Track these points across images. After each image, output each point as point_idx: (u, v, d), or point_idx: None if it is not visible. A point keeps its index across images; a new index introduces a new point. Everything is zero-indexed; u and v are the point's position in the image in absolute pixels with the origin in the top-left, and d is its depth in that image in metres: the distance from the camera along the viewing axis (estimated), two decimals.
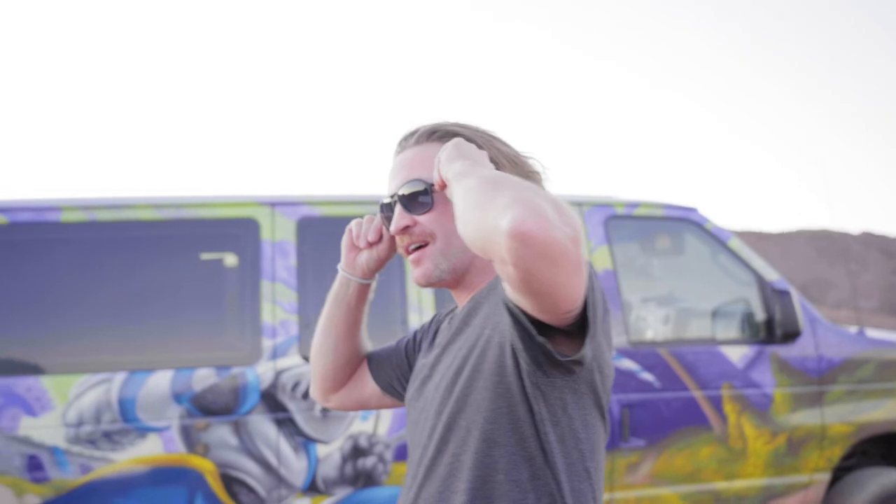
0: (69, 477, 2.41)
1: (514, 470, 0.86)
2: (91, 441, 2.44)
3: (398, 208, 1.01)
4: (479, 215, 0.73)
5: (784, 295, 2.92)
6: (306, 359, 2.62)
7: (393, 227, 1.00)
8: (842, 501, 2.97)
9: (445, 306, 1.16)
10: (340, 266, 1.14)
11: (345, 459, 2.62)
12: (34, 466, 2.40)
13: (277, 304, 2.62)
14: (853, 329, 3.23)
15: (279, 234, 2.66)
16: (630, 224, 3.07)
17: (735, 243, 3.06)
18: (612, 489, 2.76)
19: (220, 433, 2.53)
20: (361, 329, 1.19)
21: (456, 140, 0.90)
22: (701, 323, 3.10)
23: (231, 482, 2.52)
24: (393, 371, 1.19)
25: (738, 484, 2.87)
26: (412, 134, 1.05)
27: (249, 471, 2.54)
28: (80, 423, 2.44)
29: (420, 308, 2.73)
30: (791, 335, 2.93)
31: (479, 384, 0.88)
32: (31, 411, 2.42)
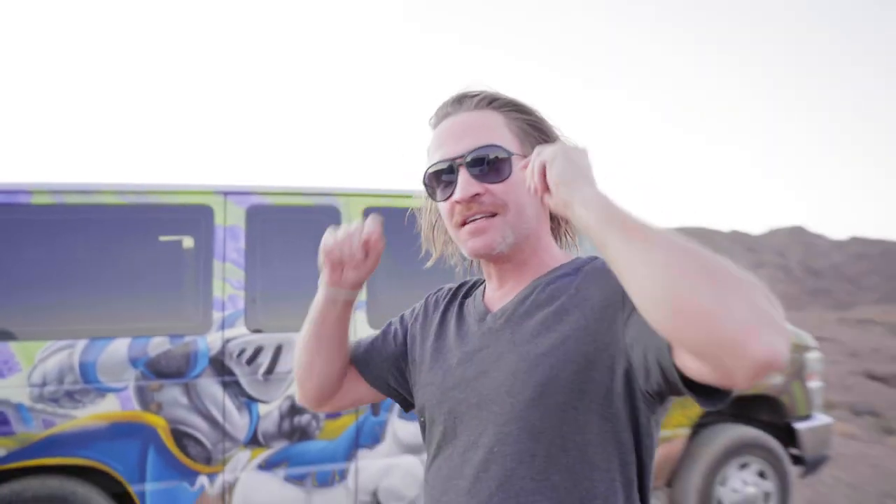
0: (33, 431, 2.70)
1: (612, 496, 0.84)
2: (54, 399, 2.73)
3: (465, 174, 0.92)
4: (697, 306, 0.62)
5: None
6: (252, 330, 2.99)
7: (460, 195, 0.91)
8: (698, 450, 3.61)
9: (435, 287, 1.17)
10: (325, 284, 1.05)
11: (282, 417, 3.01)
12: (0, 422, 2.68)
13: (227, 281, 2.98)
14: None
15: (230, 219, 3.02)
16: None
17: None
18: None
19: (173, 393, 2.87)
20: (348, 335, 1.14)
21: (564, 148, 0.82)
22: None
23: (181, 436, 2.86)
24: (384, 363, 1.12)
25: None
26: (467, 96, 0.97)
27: (198, 426, 2.89)
28: (44, 384, 2.72)
29: None
30: None
31: (582, 403, 0.83)
32: None
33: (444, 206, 0.96)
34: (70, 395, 2.75)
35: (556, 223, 1.04)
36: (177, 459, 2.85)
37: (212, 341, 2.92)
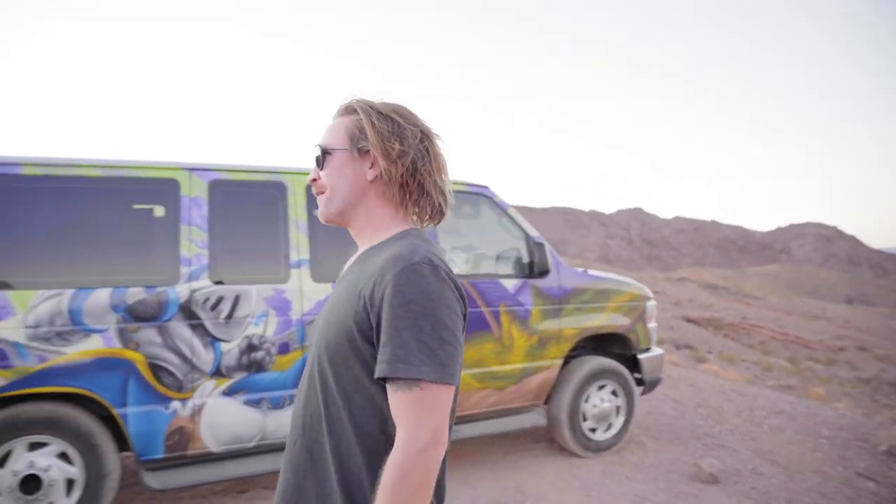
0: (29, 364, 3.18)
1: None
2: (46, 339, 3.22)
3: (315, 164, 1.29)
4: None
5: (540, 246, 4.44)
6: (215, 282, 3.58)
7: (309, 176, 1.30)
8: (569, 376, 4.59)
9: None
10: None
11: (241, 353, 3.60)
12: (0, 357, 3.14)
13: (192, 241, 3.56)
14: (580, 269, 4.88)
15: (195, 191, 3.60)
16: None
17: (512, 211, 4.53)
18: None
19: (148, 334, 3.42)
20: None
21: None
22: (489, 263, 4.53)
23: (156, 369, 3.42)
24: None
25: (508, 367, 4.35)
26: (343, 105, 1.27)
27: (170, 361, 3.45)
28: (37, 326, 3.21)
29: (298, 247, 3.81)
30: (543, 272, 4.47)
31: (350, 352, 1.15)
32: None
33: None
34: (60, 335, 3.25)
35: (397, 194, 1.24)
36: (153, 388, 3.41)
37: (181, 291, 3.49)
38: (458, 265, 4.53)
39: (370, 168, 1.24)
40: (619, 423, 4.80)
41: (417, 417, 1.03)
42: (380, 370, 1.06)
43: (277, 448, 3.75)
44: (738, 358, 14.40)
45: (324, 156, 1.26)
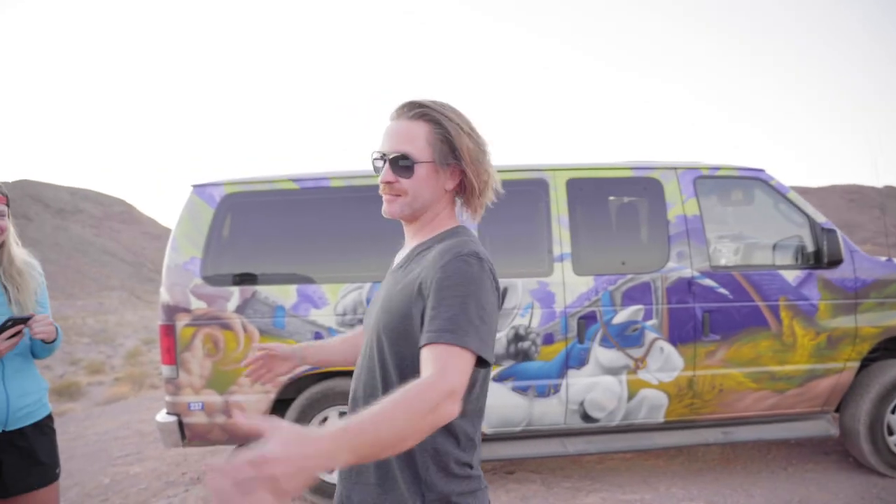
0: None
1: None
2: (351, 325, 3.80)
3: (388, 166, 1.29)
4: (398, 437, 0.96)
5: (831, 232, 3.91)
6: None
7: (382, 178, 1.30)
8: (868, 382, 3.99)
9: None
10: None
11: (509, 342, 3.82)
12: (316, 336, 3.78)
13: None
14: (883, 258, 4.17)
15: None
16: (713, 182, 4.10)
17: (793, 195, 4.05)
18: (694, 369, 3.90)
19: None
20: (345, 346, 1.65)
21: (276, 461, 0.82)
22: (764, 253, 4.12)
23: None
24: None
25: (789, 368, 3.93)
26: (409, 107, 1.30)
27: None
28: (344, 314, 3.79)
29: (560, 241, 3.90)
30: (835, 262, 3.93)
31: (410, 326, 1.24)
32: (315, 306, 3.81)
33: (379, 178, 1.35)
34: (361, 321, 3.79)
35: (466, 197, 1.37)
36: None
37: None
38: (727, 256, 4.21)
39: (450, 178, 1.32)
40: None
41: (447, 366, 1.07)
42: (426, 338, 1.12)
43: (543, 434, 3.91)
44: None
45: (402, 161, 1.29)
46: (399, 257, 1.45)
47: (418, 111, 1.29)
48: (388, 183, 1.30)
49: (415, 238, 1.38)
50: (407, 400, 0.99)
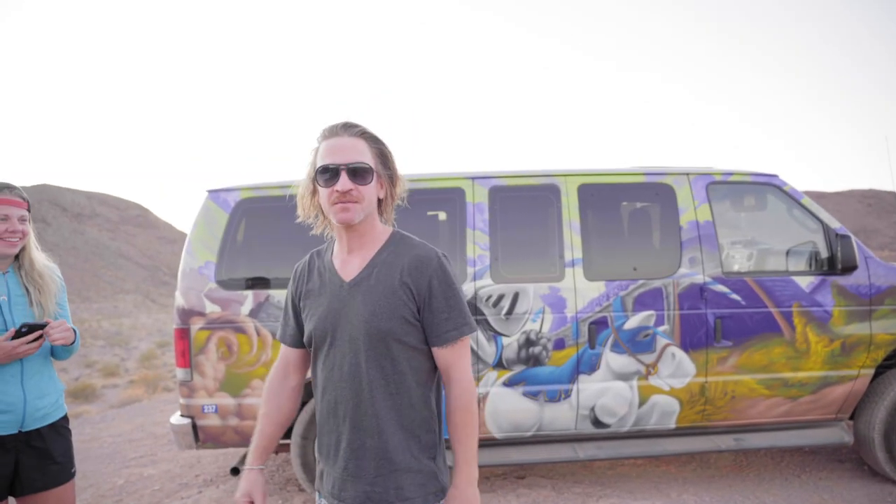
0: None
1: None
2: None
3: (345, 176, 1.45)
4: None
5: (845, 238, 3.88)
6: (496, 282, 3.84)
7: (341, 187, 1.44)
8: (882, 389, 3.94)
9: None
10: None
11: (520, 347, 3.82)
12: None
13: (476, 244, 3.87)
14: None
15: (478, 198, 3.90)
16: (725, 188, 4.08)
17: (806, 200, 4.03)
18: (706, 375, 3.88)
19: None
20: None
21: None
22: (777, 259, 4.09)
23: None
24: (299, 325, 1.64)
25: (802, 375, 3.90)
26: (350, 126, 1.50)
27: None
28: None
29: (572, 246, 3.90)
30: (849, 268, 3.89)
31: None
32: None
33: (325, 191, 1.48)
34: None
35: (384, 206, 1.59)
36: None
37: (467, 289, 3.83)
38: (739, 262, 4.19)
39: (381, 188, 1.55)
40: None
41: (468, 363, 1.54)
42: (453, 336, 1.49)
43: (554, 439, 3.91)
44: None
45: (361, 171, 1.48)
46: (344, 268, 1.55)
47: (357, 130, 1.51)
48: (347, 191, 1.46)
49: (360, 245, 1.55)
50: (472, 413, 1.50)
